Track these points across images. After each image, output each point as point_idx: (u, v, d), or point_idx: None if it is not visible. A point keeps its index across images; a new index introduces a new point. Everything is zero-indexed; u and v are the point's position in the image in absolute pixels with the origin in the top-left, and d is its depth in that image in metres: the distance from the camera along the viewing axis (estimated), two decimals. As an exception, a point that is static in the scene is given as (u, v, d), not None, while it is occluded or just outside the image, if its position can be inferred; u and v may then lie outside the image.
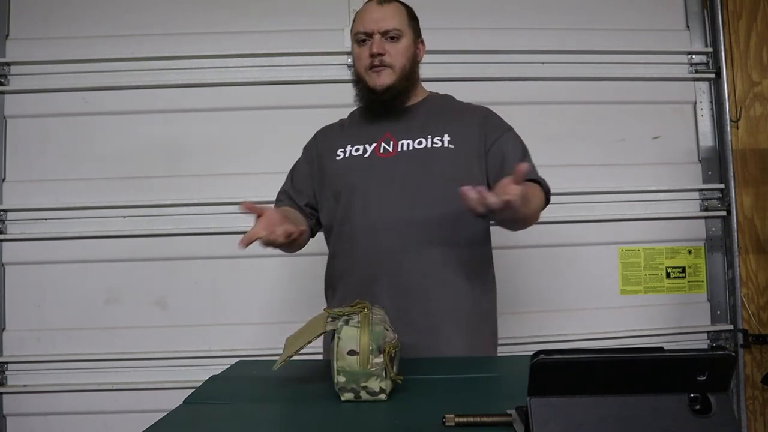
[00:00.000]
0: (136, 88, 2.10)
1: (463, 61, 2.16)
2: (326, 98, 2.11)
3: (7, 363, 2.04)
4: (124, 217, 2.07)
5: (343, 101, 2.07)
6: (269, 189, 2.06)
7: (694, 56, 2.22)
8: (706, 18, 2.22)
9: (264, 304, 2.07)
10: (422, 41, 1.43)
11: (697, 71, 2.21)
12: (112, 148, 2.09)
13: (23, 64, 2.09)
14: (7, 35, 2.11)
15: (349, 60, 2.12)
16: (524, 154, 1.37)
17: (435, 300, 1.28)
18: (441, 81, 2.11)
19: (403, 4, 1.40)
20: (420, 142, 1.33)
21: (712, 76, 2.19)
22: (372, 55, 1.30)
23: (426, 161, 1.30)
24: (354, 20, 1.39)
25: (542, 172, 2.13)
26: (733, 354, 0.62)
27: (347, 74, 2.12)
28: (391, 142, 1.34)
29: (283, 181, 1.48)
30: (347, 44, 2.13)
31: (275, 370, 0.92)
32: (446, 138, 1.33)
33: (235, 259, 2.07)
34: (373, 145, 1.34)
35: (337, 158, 1.36)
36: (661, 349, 0.61)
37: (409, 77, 1.36)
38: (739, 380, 2.09)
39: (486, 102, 2.13)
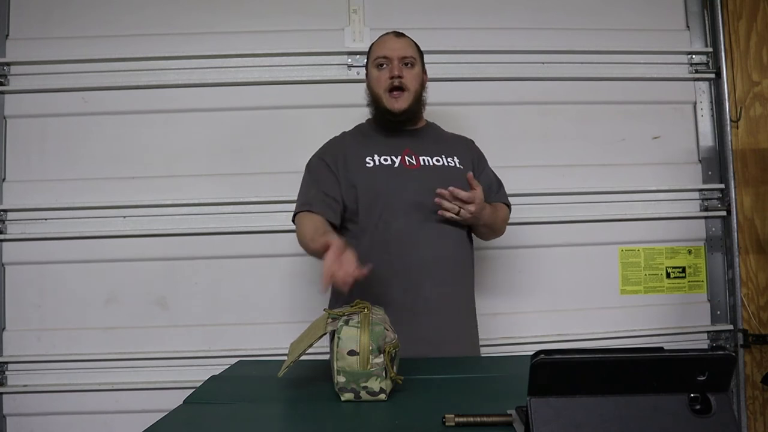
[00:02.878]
0: (136, 88, 2.10)
1: (463, 61, 2.16)
2: (326, 98, 2.11)
3: (7, 363, 2.04)
4: (124, 217, 2.07)
5: (343, 101, 2.09)
6: (269, 189, 2.08)
7: (694, 56, 2.22)
8: (706, 18, 2.22)
9: (264, 304, 2.07)
10: (425, 72, 1.60)
11: (697, 71, 2.21)
12: (112, 148, 2.09)
13: (23, 64, 2.09)
14: (7, 35, 2.11)
15: (350, 60, 2.13)
16: (499, 183, 1.64)
17: (461, 294, 1.52)
18: (441, 81, 2.12)
19: (413, 39, 1.58)
20: (438, 160, 1.52)
21: (712, 76, 2.19)
22: (392, 77, 1.48)
23: (447, 176, 1.48)
24: (372, 49, 1.57)
25: (542, 172, 2.15)
26: (733, 354, 0.62)
27: (347, 74, 2.12)
28: (413, 157, 1.51)
29: (301, 187, 1.55)
30: (347, 44, 2.13)
31: (280, 376, 0.92)
32: (456, 159, 1.54)
33: (235, 259, 2.07)
34: (399, 157, 1.50)
35: (368, 165, 1.49)
36: (661, 349, 0.61)
37: (420, 100, 1.56)
38: (739, 380, 2.09)
39: (486, 102, 2.16)
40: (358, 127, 1.65)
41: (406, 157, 1.50)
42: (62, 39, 2.09)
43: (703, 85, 2.22)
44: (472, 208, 1.38)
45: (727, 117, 2.15)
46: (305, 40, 2.12)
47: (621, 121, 2.18)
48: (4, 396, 2.04)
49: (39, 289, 2.06)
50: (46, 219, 2.06)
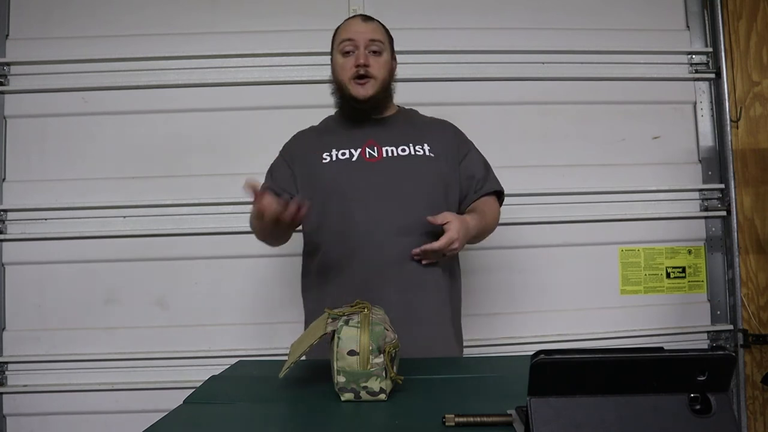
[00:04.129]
0: (136, 88, 2.10)
1: (463, 61, 2.16)
2: (326, 98, 2.09)
3: (7, 363, 2.04)
4: (124, 217, 2.07)
5: (343, 101, 2.08)
6: (269, 189, 2.07)
7: (694, 56, 2.22)
8: (706, 18, 2.22)
9: (263, 304, 2.07)
10: (395, 58, 1.51)
11: (697, 71, 2.21)
12: (112, 148, 2.09)
13: (23, 64, 2.09)
14: (7, 35, 2.11)
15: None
16: (487, 168, 1.51)
17: (431, 299, 1.36)
18: (441, 81, 2.12)
19: (381, 23, 1.48)
20: (403, 150, 1.41)
21: (712, 76, 2.19)
22: (358, 66, 1.38)
23: (411, 167, 1.39)
24: (336, 33, 1.47)
25: (543, 172, 2.15)
26: (733, 354, 0.62)
27: (347, 74, 2.12)
28: (375, 148, 1.41)
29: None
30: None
31: (281, 376, 0.92)
32: (426, 147, 1.42)
33: (235, 259, 2.07)
34: (359, 150, 1.41)
35: (324, 161, 1.41)
36: (661, 349, 0.61)
37: (387, 89, 1.46)
38: (739, 380, 2.09)
39: (486, 102, 2.16)
40: (323, 121, 1.57)
41: (367, 149, 1.41)
42: (62, 39, 2.09)
43: (703, 85, 2.22)
44: (456, 245, 1.27)
45: (727, 117, 2.15)
46: (305, 40, 2.12)
47: (621, 121, 2.18)
48: (4, 396, 2.04)
49: (39, 289, 2.06)
50: (46, 219, 2.06)
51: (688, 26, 2.23)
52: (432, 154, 1.41)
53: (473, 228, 1.34)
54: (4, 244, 2.06)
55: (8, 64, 2.08)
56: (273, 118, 2.11)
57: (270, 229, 1.27)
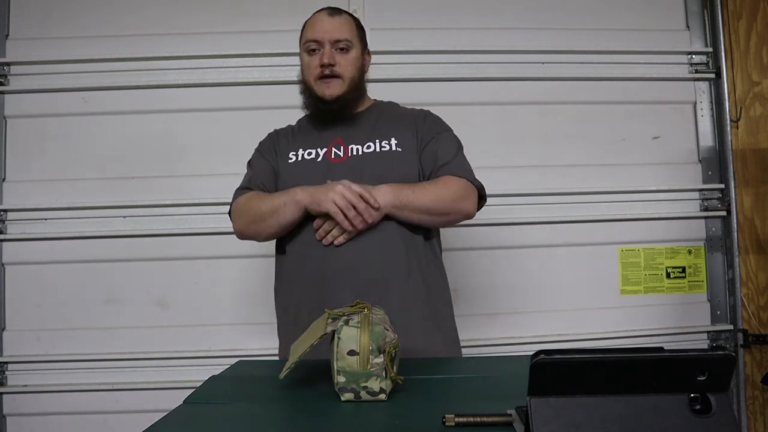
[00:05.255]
0: (136, 88, 2.10)
1: (463, 61, 2.16)
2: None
3: (7, 363, 2.04)
4: (124, 217, 2.07)
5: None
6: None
7: (694, 56, 2.22)
8: (706, 18, 2.22)
9: (264, 304, 2.07)
10: (369, 52, 1.46)
11: (697, 71, 2.21)
12: (112, 148, 2.09)
13: (23, 64, 2.09)
14: (7, 35, 2.11)
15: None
16: (456, 153, 1.38)
17: (393, 301, 1.24)
18: (441, 81, 2.12)
19: (352, 15, 1.43)
20: (369, 146, 1.36)
21: (712, 76, 2.19)
22: (323, 65, 1.33)
23: (376, 164, 1.33)
24: (303, 30, 1.41)
25: (543, 172, 2.15)
26: (733, 354, 0.62)
27: (347, 74, 2.12)
28: (342, 147, 1.37)
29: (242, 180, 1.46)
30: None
31: (281, 377, 0.92)
32: (393, 141, 1.36)
33: (236, 259, 2.07)
34: (324, 149, 1.37)
35: (290, 161, 1.38)
36: (661, 349, 0.61)
37: (358, 87, 1.40)
38: (739, 380, 2.09)
39: (486, 102, 2.15)
40: (299, 120, 1.52)
41: (333, 149, 1.36)
42: (62, 39, 2.09)
43: (703, 85, 2.22)
44: (335, 197, 1.19)
45: (727, 117, 2.15)
46: (305, 40, 2.12)
47: (621, 121, 2.18)
48: (4, 396, 2.04)
49: (39, 289, 2.06)
50: (46, 219, 2.06)
51: (688, 26, 2.23)
52: (399, 149, 1.35)
53: (386, 192, 1.24)
54: (4, 244, 2.06)
55: (8, 64, 2.08)
56: (273, 118, 2.09)
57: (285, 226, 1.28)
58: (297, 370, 0.94)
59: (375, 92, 1.96)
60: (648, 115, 2.19)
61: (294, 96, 2.09)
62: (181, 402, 0.93)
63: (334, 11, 1.38)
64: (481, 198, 1.39)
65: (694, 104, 2.22)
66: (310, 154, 1.37)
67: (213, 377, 1.09)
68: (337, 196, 1.20)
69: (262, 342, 2.03)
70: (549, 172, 2.14)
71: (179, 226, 2.07)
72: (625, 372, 0.61)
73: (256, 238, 1.40)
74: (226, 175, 2.07)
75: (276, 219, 1.29)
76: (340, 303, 1.11)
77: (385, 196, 1.25)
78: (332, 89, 1.34)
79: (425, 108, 1.51)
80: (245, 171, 1.45)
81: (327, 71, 1.33)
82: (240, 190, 1.42)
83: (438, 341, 1.33)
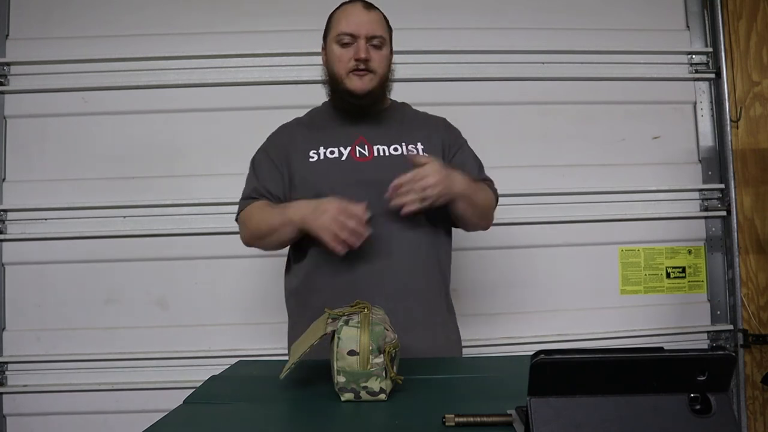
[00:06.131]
0: (136, 88, 2.09)
1: (463, 61, 2.15)
2: (326, 98, 2.11)
3: (7, 363, 2.04)
4: (124, 217, 2.07)
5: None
6: (269, 189, 2.07)
7: (694, 56, 2.22)
8: (706, 18, 2.22)
9: (264, 304, 2.07)
10: (392, 51, 1.43)
11: (697, 71, 2.21)
12: (112, 148, 2.09)
13: (23, 64, 2.09)
14: (7, 35, 2.11)
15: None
16: (480, 165, 1.43)
17: (414, 302, 1.29)
18: (441, 81, 2.12)
19: (382, 12, 1.40)
20: (396, 149, 1.34)
21: (712, 76, 2.19)
22: (358, 59, 1.30)
23: (403, 167, 1.27)
24: (333, 20, 1.37)
25: (543, 172, 2.15)
26: (733, 354, 0.62)
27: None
28: (366, 146, 1.34)
29: (246, 181, 1.44)
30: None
31: (282, 377, 0.92)
32: (420, 146, 1.35)
33: (236, 259, 2.07)
34: (348, 148, 1.34)
35: (311, 160, 1.34)
36: (661, 349, 0.61)
37: (386, 85, 1.39)
38: (739, 380, 2.09)
39: (486, 102, 2.15)
40: (310, 113, 1.48)
41: (358, 148, 1.33)
42: (62, 39, 2.09)
43: (703, 85, 2.22)
44: (431, 180, 1.16)
45: (727, 117, 2.15)
46: (305, 40, 2.11)
47: (621, 121, 2.18)
48: (4, 396, 2.04)
49: (39, 289, 2.06)
50: (46, 219, 2.06)
51: (688, 26, 2.23)
52: (426, 154, 1.32)
53: (461, 182, 1.24)
54: (4, 244, 2.06)
55: (8, 64, 2.08)
56: (273, 118, 2.09)
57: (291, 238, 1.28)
58: (297, 370, 0.95)
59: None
60: (648, 115, 2.19)
61: (294, 96, 2.11)
62: (181, 402, 0.93)
63: (368, 6, 1.35)
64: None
65: (694, 104, 2.22)
66: (332, 152, 1.34)
67: (213, 377, 1.09)
68: (327, 222, 1.17)
69: (262, 342, 2.03)
70: (549, 172, 2.14)
71: (179, 226, 2.07)
72: (625, 372, 0.61)
73: (262, 249, 1.42)
74: (226, 175, 2.08)
75: (277, 238, 1.31)
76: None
77: (461, 182, 1.25)
78: (365, 83, 1.31)
79: (424, 108, 1.52)
80: (243, 172, 1.43)
81: (362, 66, 1.30)
82: (245, 200, 1.40)
83: (456, 342, 1.38)
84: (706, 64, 2.22)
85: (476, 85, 2.14)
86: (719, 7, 2.18)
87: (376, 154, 1.33)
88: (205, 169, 2.08)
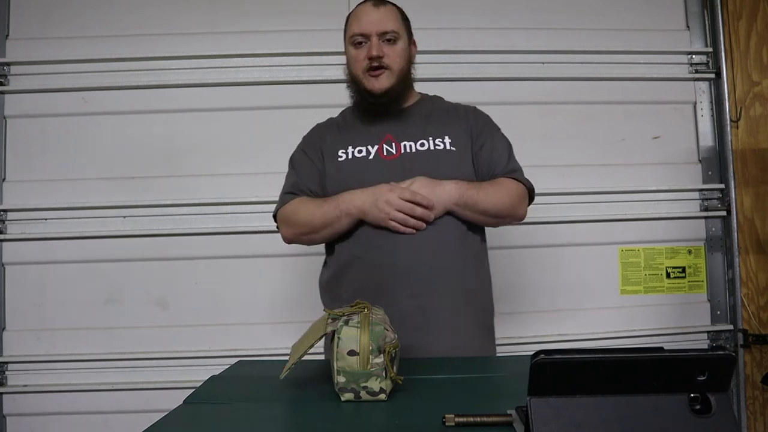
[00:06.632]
0: (136, 88, 2.10)
1: (463, 61, 2.16)
2: (326, 98, 2.10)
3: (7, 363, 2.04)
4: (124, 217, 2.07)
5: (343, 101, 2.06)
6: (269, 189, 2.06)
7: (694, 56, 2.22)
8: (706, 18, 2.22)
9: (264, 304, 2.07)
10: (414, 42, 1.43)
11: (697, 71, 2.21)
12: (112, 148, 2.09)
13: (23, 64, 2.09)
14: (7, 35, 2.11)
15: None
16: (510, 154, 1.40)
17: (452, 298, 1.29)
18: (441, 81, 2.11)
19: (396, 5, 1.39)
20: (422, 144, 1.33)
21: (712, 76, 2.19)
22: (371, 58, 1.30)
23: (430, 163, 1.30)
24: (348, 22, 1.38)
25: (542, 172, 2.13)
26: (733, 354, 0.62)
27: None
28: (393, 144, 1.34)
29: (286, 179, 1.44)
30: (347, 44, 2.13)
31: (282, 378, 0.92)
32: (447, 140, 1.34)
33: (235, 259, 2.07)
34: (376, 147, 1.34)
35: (339, 159, 1.35)
36: (661, 349, 0.61)
37: (406, 78, 1.38)
38: (739, 380, 2.09)
39: (486, 102, 2.13)
40: (343, 112, 1.48)
41: (385, 146, 1.33)
42: (62, 39, 2.09)
43: (703, 85, 2.22)
44: (431, 217, 1.22)
45: (727, 117, 2.15)
46: (305, 40, 2.12)
47: (621, 121, 2.18)
48: (4, 396, 2.04)
49: (39, 289, 2.06)
50: (46, 219, 2.06)
51: (688, 26, 2.23)
52: (453, 147, 1.33)
53: (449, 192, 1.25)
54: (4, 244, 2.06)
55: (8, 64, 2.09)
56: (273, 118, 2.11)
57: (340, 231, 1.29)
58: (297, 370, 0.94)
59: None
60: (648, 115, 2.19)
61: (294, 96, 2.12)
62: (181, 402, 0.93)
63: (379, 2, 1.34)
64: (530, 198, 1.40)
65: (694, 104, 2.22)
66: (360, 151, 1.34)
67: (213, 377, 1.09)
68: (391, 210, 1.21)
69: (262, 342, 2.03)
70: (549, 172, 2.14)
71: (179, 226, 2.07)
72: (625, 372, 0.61)
73: (306, 244, 1.41)
74: (226, 175, 2.08)
75: (331, 230, 1.30)
76: (396, 304, 1.18)
77: (450, 193, 1.25)
78: (381, 82, 1.32)
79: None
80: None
81: (375, 63, 1.30)
82: (286, 195, 1.39)
83: (486, 342, 1.36)
84: (706, 64, 2.22)
85: (476, 85, 2.14)
86: (719, 7, 2.18)
87: (403, 151, 1.33)
88: (205, 169, 2.09)
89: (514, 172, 1.36)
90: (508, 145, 1.41)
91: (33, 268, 2.06)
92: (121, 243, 2.06)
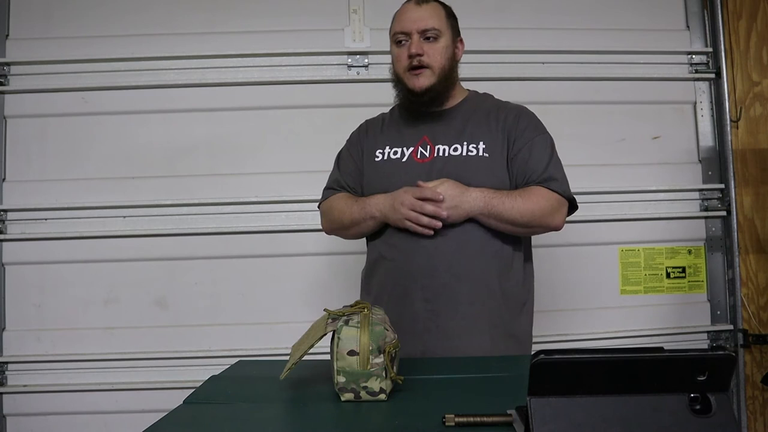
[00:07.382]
0: (136, 88, 2.10)
1: (464, 61, 2.13)
2: (326, 98, 2.11)
3: (7, 363, 2.04)
4: (124, 217, 2.07)
5: (343, 101, 2.09)
6: (269, 189, 2.08)
7: (694, 56, 2.22)
8: (706, 18, 2.22)
9: (264, 304, 2.07)
10: (461, 40, 1.41)
11: (697, 71, 2.21)
12: (112, 148, 2.09)
13: (23, 64, 2.09)
14: (7, 35, 2.11)
15: (350, 60, 2.12)
16: (549, 161, 1.35)
17: (467, 304, 1.27)
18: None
19: (442, 3, 1.38)
20: (456, 149, 1.32)
21: (712, 76, 2.19)
22: (410, 56, 1.30)
23: (460, 169, 1.29)
24: (392, 22, 1.38)
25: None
26: (733, 354, 0.62)
27: (347, 74, 2.12)
28: (428, 147, 1.34)
29: (330, 174, 1.47)
30: (347, 44, 2.13)
31: (282, 378, 0.92)
32: (481, 146, 1.32)
33: (235, 259, 2.07)
34: (411, 149, 1.34)
35: (376, 159, 1.37)
36: (661, 349, 0.61)
37: (448, 78, 1.35)
38: (739, 380, 2.09)
39: (486, 102, 2.14)
40: (392, 109, 1.47)
41: (420, 148, 1.33)
42: (62, 39, 2.09)
43: (703, 85, 2.22)
44: (443, 213, 1.21)
45: (727, 117, 2.15)
46: (305, 40, 2.12)
47: (621, 121, 2.18)
48: (4, 396, 2.04)
49: (39, 289, 2.06)
50: (46, 219, 2.06)
51: (688, 26, 2.23)
52: (486, 154, 1.30)
53: (473, 200, 1.24)
54: (4, 244, 2.06)
55: (8, 64, 2.08)
56: (273, 118, 2.12)
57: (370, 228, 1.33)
58: (297, 370, 0.94)
59: (376, 92, 1.96)
60: (648, 115, 2.19)
61: (294, 96, 2.12)
62: (181, 402, 0.93)
63: (421, 0, 1.34)
64: (573, 206, 1.38)
65: (694, 104, 2.22)
66: (396, 153, 1.35)
67: (213, 377, 1.09)
68: (405, 211, 1.23)
69: (262, 342, 2.03)
70: (549, 172, 2.14)
71: (179, 226, 2.07)
72: (625, 372, 0.61)
73: (343, 238, 1.46)
74: (226, 175, 2.08)
75: (358, 229, 1.36)
76: (410, 306, 1.24)
77: (475, 201, 1.25)
78: (421, 81, 1.31)
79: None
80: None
81: (415, 61, 1.30)
82: (327, 190, 1.44)
83: (503, 350, 1.30)
84: (706, 64, 2.22)
85: (476, 85, 2.12)
86: (719, 7, 2.17)
87: (436, 154, 1.32)
88: (205, 169, 2.09)
89: (549, 180, 1.32)
90: (550, 152, 1.37)
91: (33, 268, 2.06)
92: (121, 243, 2.06)
